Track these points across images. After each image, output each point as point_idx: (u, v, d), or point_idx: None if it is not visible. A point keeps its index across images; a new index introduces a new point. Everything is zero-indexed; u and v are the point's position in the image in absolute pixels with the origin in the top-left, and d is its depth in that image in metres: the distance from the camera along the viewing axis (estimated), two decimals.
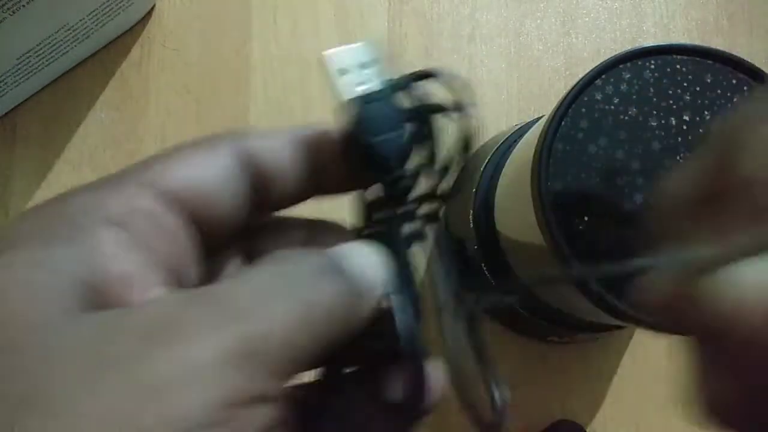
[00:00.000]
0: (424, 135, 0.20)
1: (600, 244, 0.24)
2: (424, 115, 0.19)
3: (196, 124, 0.40)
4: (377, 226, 0.19)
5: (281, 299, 0.15)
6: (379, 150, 0.19)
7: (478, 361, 0.19)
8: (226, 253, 0.20)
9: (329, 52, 0.19)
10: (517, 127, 0.37)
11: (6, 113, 0.39)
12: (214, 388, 0.13)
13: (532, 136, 0.27)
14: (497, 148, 0.35)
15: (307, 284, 0.15)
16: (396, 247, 0.19)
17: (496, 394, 0.18)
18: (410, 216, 0.19)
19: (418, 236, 0.19)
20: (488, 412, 0.18)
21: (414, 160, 0.20)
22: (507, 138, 0.36)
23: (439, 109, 0.19)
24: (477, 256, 0.34)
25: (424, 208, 0.20)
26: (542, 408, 0.38)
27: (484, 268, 0.34)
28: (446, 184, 0.20)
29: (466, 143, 0.19)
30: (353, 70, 0.19)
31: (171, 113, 0.40)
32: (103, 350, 0.13)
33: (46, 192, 0.39)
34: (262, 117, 0.40)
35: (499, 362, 0.18)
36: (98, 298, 0.15)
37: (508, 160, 0.32)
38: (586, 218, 0.24)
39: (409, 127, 0.19)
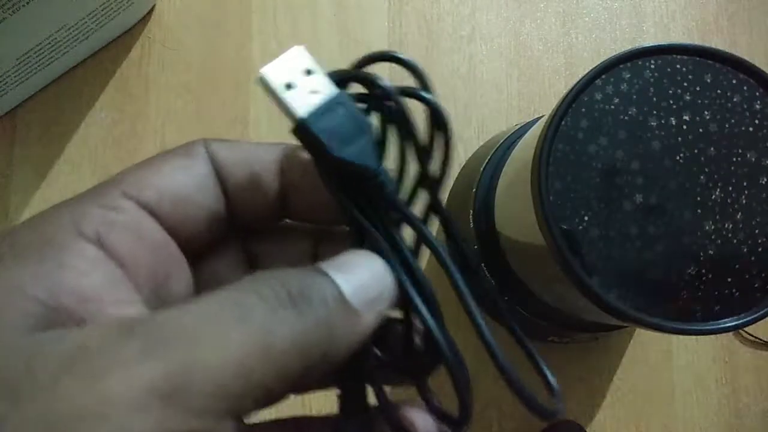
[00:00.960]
0: (392, 121, 0.18)
1: (600, 244, 0.24)
2: (383, 102, 0.18)
3: (196, 124, 0.40)
4: (377, 231, 0.18)
5: (226, 331, 0.14)
6: (354, 160, 0.17)
7: (526, 354, 0.19)
8: (224, 260, 0.19)
9: (267, 69, 0.17)
10: (517, 127, 0.37)
11: (6, 113, 0.39)
12: (128, 426, 0.12)
13: (532, 136, 0.27)
14: (497, 148, 0.35)
15: (264, 315, 0.14)
16: (400, 251, 0.17)
17: (552, 381, 0.18)
18: (407, 216, 0.18)
19: (422, 235, 0.18)
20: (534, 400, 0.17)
21: (393, 150, 0.19)
22: (507, 138, 0.36)
23: (398, 92, 0.18)
24: (477, 256, 0.34)
25: (421, 203, 0.19)
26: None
27: (484, 268, 0.34)
28: (434, 164, 0.18)
29: (436, 118, 0.18)
30: (299, 81, 0.17)
31: (171, 113, 0.40)
32: (25, 377, 0.13)
33: (46, 192, 0.39)
34: (262, 117, 0.40)
35: None
36: (58, 316, 0.14)
37: (508, 160, 0.32)
38: (586, 218, 0.24)
39: (373, 120, 0.18)
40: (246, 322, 0.14)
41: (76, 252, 0.15)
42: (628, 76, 0.25)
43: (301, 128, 0.17)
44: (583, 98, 0.25)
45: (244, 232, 0.20)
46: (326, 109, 0.17)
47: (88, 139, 0.39)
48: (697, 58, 0.25)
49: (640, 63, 0.25)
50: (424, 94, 0.18)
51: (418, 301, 0.17)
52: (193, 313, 0.14)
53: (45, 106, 0.40)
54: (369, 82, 0.18)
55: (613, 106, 0.25)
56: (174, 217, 0.17)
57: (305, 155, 0.18)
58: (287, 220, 0.20)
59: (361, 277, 0.16)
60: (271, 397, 0.14)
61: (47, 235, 0.15)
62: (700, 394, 0.39)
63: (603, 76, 0.25)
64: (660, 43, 0.25)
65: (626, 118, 0.25)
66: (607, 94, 0.25)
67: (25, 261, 0.15)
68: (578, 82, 0.25)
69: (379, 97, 0.18)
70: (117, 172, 0.18)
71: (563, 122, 0.25)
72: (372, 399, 0.18)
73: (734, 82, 0.25)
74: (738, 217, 0.24)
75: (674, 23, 0.43)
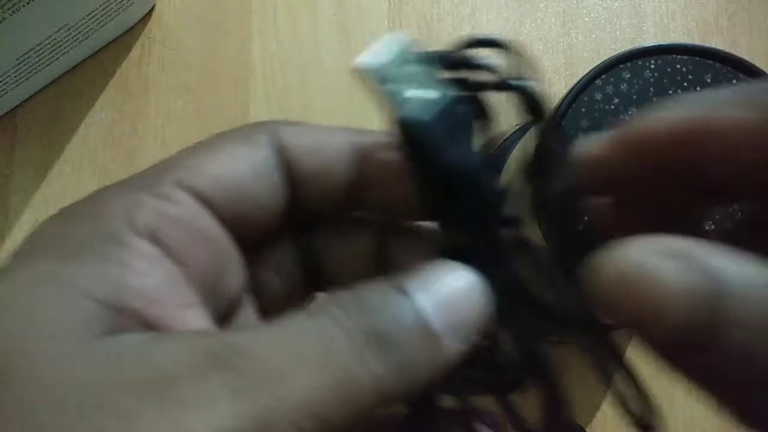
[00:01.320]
0: (482, 114, 0.16)
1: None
2: (478, 94, 0.16)
3: (196, 124, 0.40)
4: (465, 234, 0.16)
5: (311, 372, 0.13)
6: (456, 162, 0.15)
7: (626, 375, 0.18)
8: (280, 253, 0.18)
9: (366, 60, 0.15)
10: (517, 127, 0.37)
11: (6, 113, 0.39)
12: None
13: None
14: (497, 148, 0.35)
15: (349, 356, 0.13)
16: (495, 260, 0.16)
17: (651, 403, 0.16)
18: (507, 220, 0.16)
19: (523, 241, 0.16)
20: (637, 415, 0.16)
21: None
22: (507, 138, 0.36)
23: (500, 86, 0.16)
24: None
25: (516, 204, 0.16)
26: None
27: None
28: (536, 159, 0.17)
29: (535, 109, 0.16)
30: (400, 71, 0.16)
31: (171, 113, 0.40)
32: (105, 399, 0.12)
33: (46, 192, 0.39)
34: (262, 117, 0.40)
35: None
36: (122, 320, 0.14)
37: (508, 160, 0.32)
38: (586, 218, 0.24)
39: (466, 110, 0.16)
40: (331, 364, 0.13)
41: (134, 250, 0.14)
42: (628, 76, 0.25)
43: (405, 127, 0.15)
44: (583, 98, 0.25)
45: (303, 222, 0.18)
46: (429, 104, 0.16)
47: (88, 139, 0.39)
48: (697, 58, 0.25)
49: (640, 63, 0.25)
50: (533, 83, 0.16)
51: (518, 319, 0.15)
52: (279, 346, 0.13)
53: (45, 106, 0.40)
54: (481, 69, 0.16)
55: (613, 106, 0.25)
56: (230, 209, 0.16)
57: (386, 145, 0.17)
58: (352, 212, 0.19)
59: (448, 298, 0.15)
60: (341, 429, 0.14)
61: (100, 228, 0.14)
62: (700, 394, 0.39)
63: (603, 76, 0.25)
64: (660, 43, 0.25)
65: (626, 118, 0.25)
66: (607, 94, 0.25)
67: (82, 259, 0.14)
68: (578, 82, 0.25)
69: (486, 86, 0.16)
70: (171, 155, 0.16)
71: (563, 122, 0.25)
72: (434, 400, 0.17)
73: (734, 82, 0.25)
74: (738, 216, 0.24)
75: (674, 23, 0.43)
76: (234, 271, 0.17)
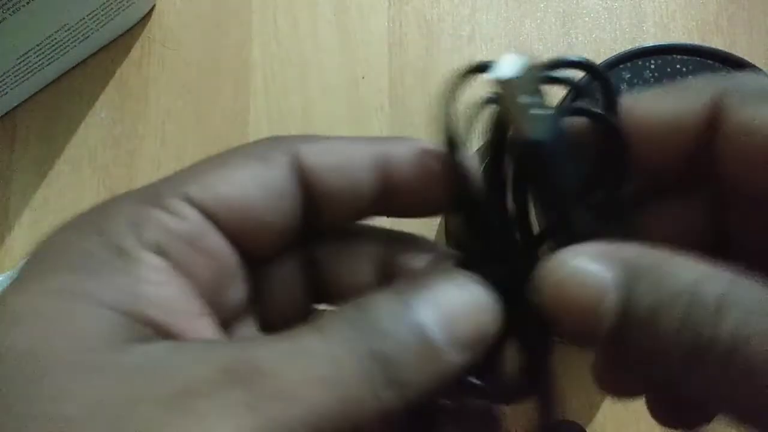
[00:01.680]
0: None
1: None
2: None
3: (196, 124, 0.40)
4: (490, 251, 0.16)
5: (322, 394, 0.13)
6: (570, 187, 0.15)
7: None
8: (286, 263, 0.18)
9: (505, 72, 0.15)
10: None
11: (6, 113, 0.39)
12: None
13: None
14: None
15: (356, 383, 0.14)
16: (515, 276, 0.15)
17: None
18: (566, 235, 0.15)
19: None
20: None
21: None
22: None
23: (598, 118, 0.16)
24: None
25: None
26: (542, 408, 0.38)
27: None
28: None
29: (620, 149, 0.16)
30: (530, 93, 0.15)
31: (171, 113, 0.40)
32: (131, 411, 0.12)
33: (46, 192, 0.39)
34: (262, 117, 0.40)
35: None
36: (142, 329, 0.14)
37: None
38: None
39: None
40: (338, 384, 0.13)
41: (144, 262, 0.15)
42: (628, 76, 0.25)
43: (535, 150, 0.15)
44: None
45: (313, 233, 0.18)
46: (546, 129, 0.15)
47: (88, 139, 0.39)
48: (697, 58, 0.25)
49: (640, 63, 0.25)
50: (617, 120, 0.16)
51: (532, 338, 0.15)
52: (291, 365, 0.13)
53: (45, 106, 0.40)
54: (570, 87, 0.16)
55: None
56: (239, 231, 0.16)
57: (417, 151, 0.17)
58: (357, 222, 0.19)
59: (453, 311, 0.15)
60: None
61: (109, 241, 0.15)
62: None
63: None
64: (660, 43, 0.25)
65: None
66: None
67: (96, 272, 0.14)
68: (578, 83, 0.25)
69: (584, 113, 0.17)
70: (185, 168, 0.16)
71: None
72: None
73: None
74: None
75: (674, 23, 0.43)
76: (236, 285, 0.17)
